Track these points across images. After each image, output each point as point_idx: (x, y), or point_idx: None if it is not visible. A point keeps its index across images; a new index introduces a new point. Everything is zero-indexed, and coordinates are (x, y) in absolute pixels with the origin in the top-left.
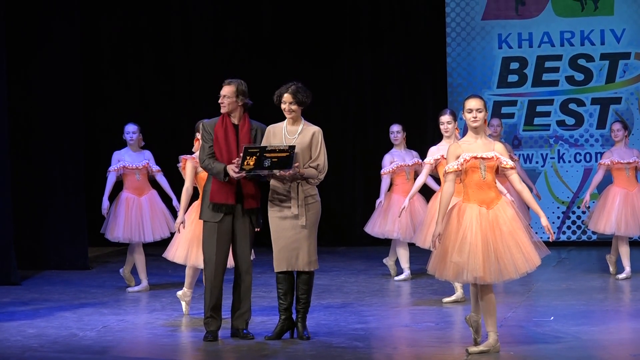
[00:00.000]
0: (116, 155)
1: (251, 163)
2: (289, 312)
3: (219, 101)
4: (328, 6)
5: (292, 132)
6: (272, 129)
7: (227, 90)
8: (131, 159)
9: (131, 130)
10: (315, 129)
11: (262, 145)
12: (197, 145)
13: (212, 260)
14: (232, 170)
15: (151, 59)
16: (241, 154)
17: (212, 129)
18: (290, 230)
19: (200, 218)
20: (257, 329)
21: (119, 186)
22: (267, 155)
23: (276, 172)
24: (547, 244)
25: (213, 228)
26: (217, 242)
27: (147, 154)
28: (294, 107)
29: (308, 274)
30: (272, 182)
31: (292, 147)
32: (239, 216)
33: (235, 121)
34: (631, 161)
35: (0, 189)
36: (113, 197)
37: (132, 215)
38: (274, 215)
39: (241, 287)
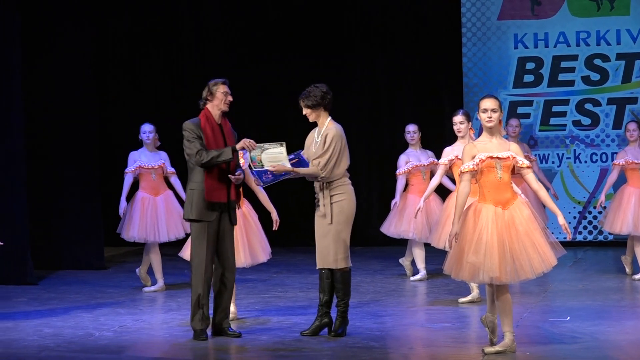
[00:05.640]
0: (132, 155)
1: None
2: (325, 309)
3: (228, 100)
4: (341, 6)
5: (318, 134)
6: (310, 133)
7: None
8: (147, 159)
9: (147, 130)
10: (329, 130)
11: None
12: None
13: (203, 260)
14: (244, 142)
15: (162, 60)
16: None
17: (198, 128)
18: (322, 228)
19: (185, 218)
20: (274, 329)
21: (135, 186)
22: (266, 156)
23: (272, 168)
24: (563, 244)
25: (204, 228)
26: (208, 242)
27: (163, 154)
28: (307, 111)
29: (340, 272)
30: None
31: (281, 144)
32: (225, 213)
33: (218, 121)
34: None
35: (16, 190)
36: (130, 197)
37: (148, 215)
38: (316, 215)
39: (226, 286)
